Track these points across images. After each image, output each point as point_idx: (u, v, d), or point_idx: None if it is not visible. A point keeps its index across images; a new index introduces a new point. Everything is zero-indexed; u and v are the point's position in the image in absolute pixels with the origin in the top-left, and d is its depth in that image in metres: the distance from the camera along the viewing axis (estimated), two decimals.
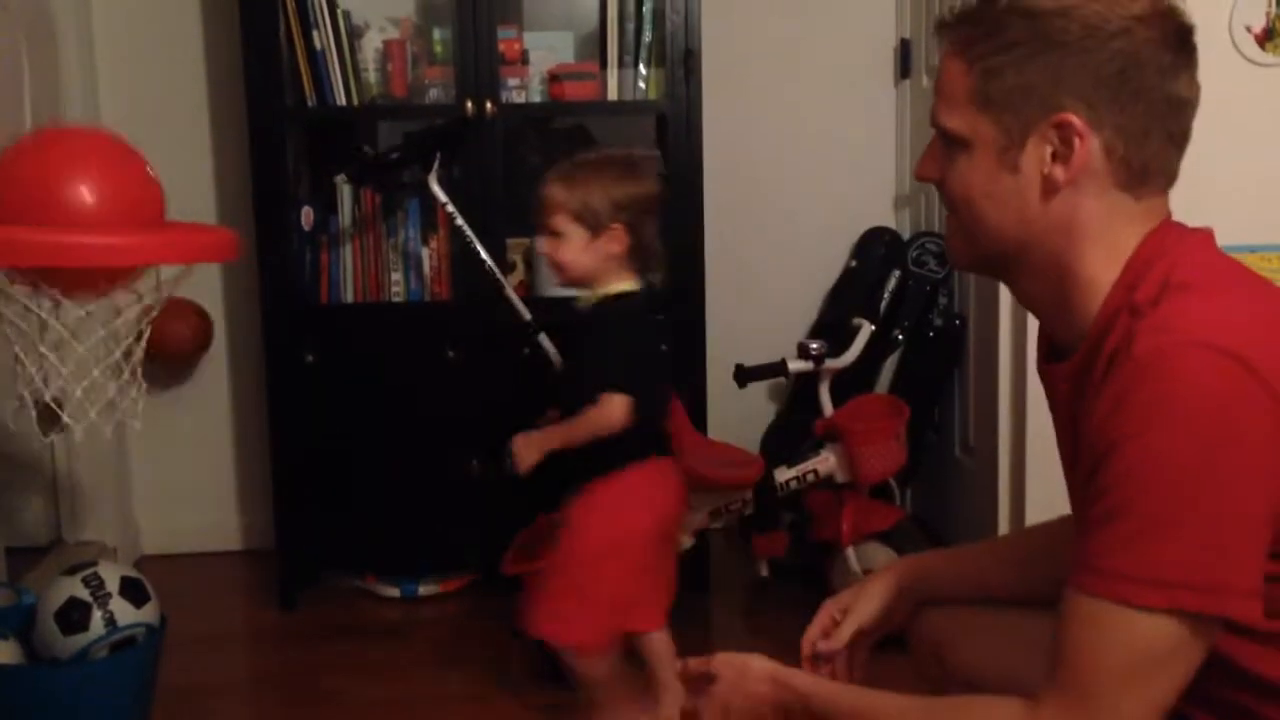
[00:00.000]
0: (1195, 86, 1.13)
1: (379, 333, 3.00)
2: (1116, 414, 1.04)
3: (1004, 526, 2.78)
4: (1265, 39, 2.51)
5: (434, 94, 2.99)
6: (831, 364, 2.74)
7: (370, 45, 3.00)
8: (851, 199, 3.46)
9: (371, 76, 3.00)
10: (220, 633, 2.98)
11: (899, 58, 3.45)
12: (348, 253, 3.02)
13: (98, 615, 2.16)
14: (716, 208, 3.07)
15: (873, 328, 2.80)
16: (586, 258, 2.13)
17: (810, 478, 2.71)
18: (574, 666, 2.19)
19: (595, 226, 2.11)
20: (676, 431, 2.63)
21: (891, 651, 1.53)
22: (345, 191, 3.02)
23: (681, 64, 2.88)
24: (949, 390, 3.21)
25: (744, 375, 2.76)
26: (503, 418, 2.61)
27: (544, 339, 2.65)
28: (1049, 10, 1.10)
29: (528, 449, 2.15)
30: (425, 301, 3.01)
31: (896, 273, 3.21)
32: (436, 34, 3.04)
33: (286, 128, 2.97)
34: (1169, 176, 1.15)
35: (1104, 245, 1.13)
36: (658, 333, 2.28)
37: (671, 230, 2.97)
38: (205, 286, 3.26)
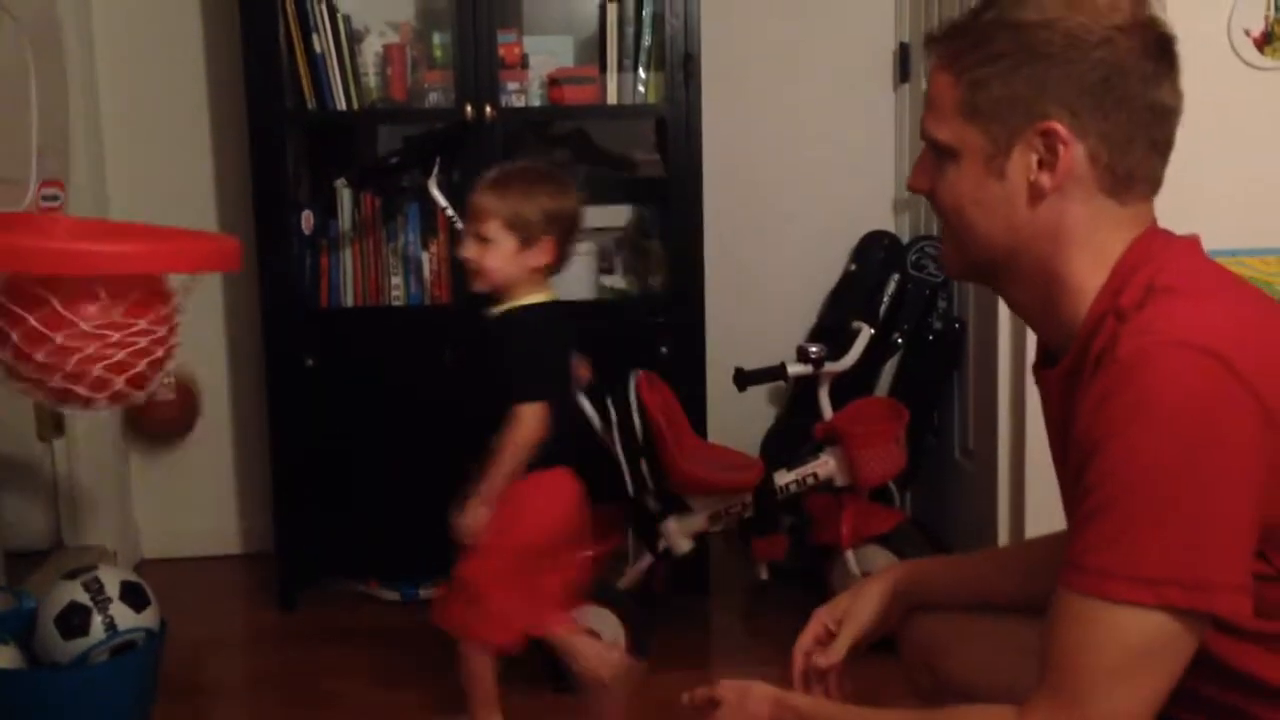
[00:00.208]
0: (1178, 95, 1.15)
1: (379, 336, 3.00)
2: (1100, 414, 1.05)
3: (1003, 529, 2.78)
4: (1264, 43, 2.51)
5: (434, 98, 2.99)
6: (831, 367, 2.74)
7: (370, 49, 3.00)
8: (851, 202, 3.47)
9: (371, 80, 3.00)
10: (220, 636, 2.98)
11: (898, 61, 3.45)
12: (348, 257, 3.03)
13: (98, 619, 2.17)
14: (716, 211, 3.08)
15: (872, 331, 2.80)
16: (512, 267, 2.16)
17: (810, 481, 2.71)
18: (468, 659, 2.21)
19: (527, 237, 2.14)
20: (676, 434, 2.63)
21: (881, 655, 1.52)
22: (345, 195, 3.02)
23: (681, 68, 2.89)
24: (948, 394, 3.21)
25: (743, 379, 2.76)
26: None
27: None
28: (1033, 22, 1.12)
29: (474, 514, 2.14)
30: (425, 305, 3.01)
31: (896, 276, 3.22)
32: (436, 38, 3.04)
33: (286, 131, 2.97)
34: (1153, 183, 1.17)
35: (1090, 251, 1.15)
36: (567, 344, 2.29)
37: (671, 233, 2.99)
38: (205, 289, 3.26)
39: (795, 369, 2.75)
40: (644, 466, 2.58)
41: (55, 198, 2.80)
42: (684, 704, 1.34)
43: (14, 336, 1.84)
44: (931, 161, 1.21)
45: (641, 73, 2.96)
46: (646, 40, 2.94)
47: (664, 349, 2.90)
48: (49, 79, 2.96)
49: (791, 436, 3.03)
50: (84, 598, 2.18)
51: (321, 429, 2.98)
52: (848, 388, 2.87)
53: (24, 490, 3.14)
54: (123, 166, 3.33)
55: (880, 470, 2.70)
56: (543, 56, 3.03)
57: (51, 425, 3.06)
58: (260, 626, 3.03)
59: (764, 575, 2.88)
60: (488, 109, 2.87)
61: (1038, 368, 1.28)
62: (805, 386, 2.98)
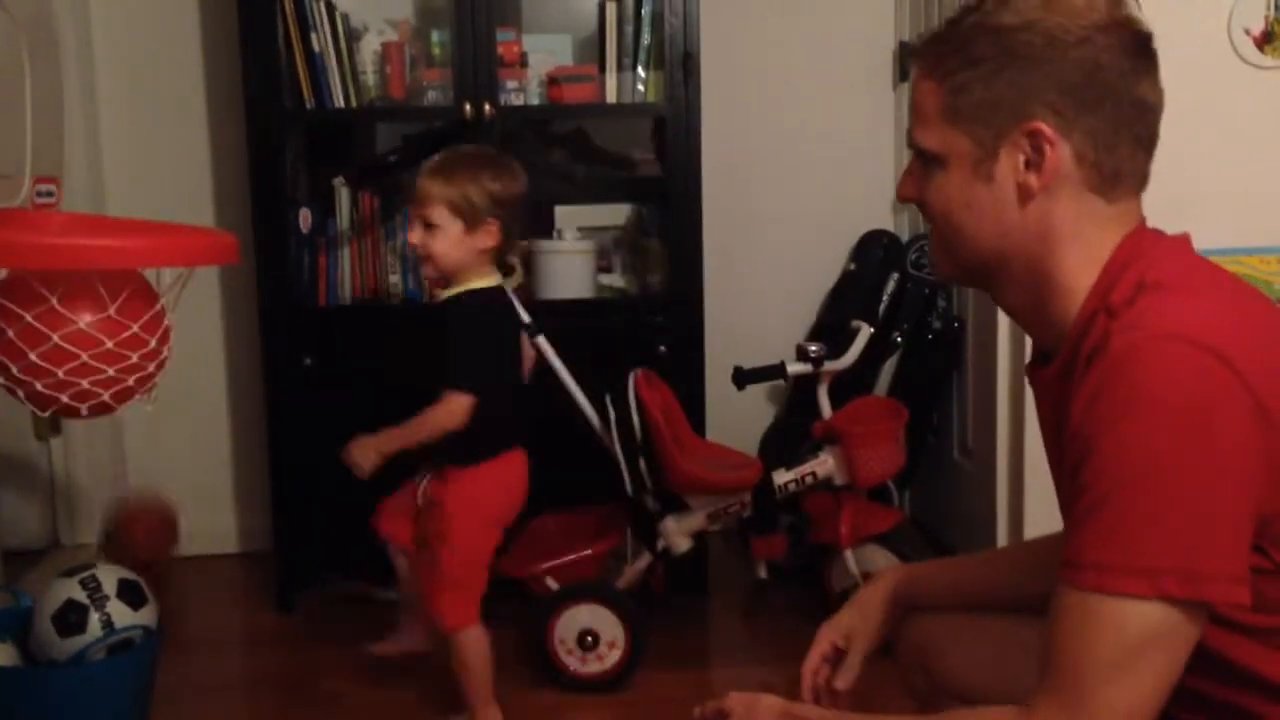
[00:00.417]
0: (1159, 91, 1.16)
1: (377, 335, 3.00)
2: (1093, 410, 1.06)
3: (1002, 529, 2.78)
4: (1264, 42, 2.51)
5: (432, 96, 2.99)
6: (830, 366, 2.74)
7: (369, 47, 2.99)
8: (850, 201, 3.46)
9: (370, 79, 3.00)
10: (218, 635, 2.98)
11: (898, 60, 3.45)
12: (346, 255, 3.02)
13: (95, 617, 2.16)
14: (715, 210, 3.07)
15: (871, 330, 2.80)
16: (459, 251, 2.20)
17: (809, 480, 2.71)
18: (460, 649, 2.28)
19: (471, 220, 2.19)
20: (675, 433, 2.63)
21: (876, 656, 1.51)
22: (344, 194, 3.02)
23: (680, 66, 2.88)
24: (947, 393, 3.21)
25: (742, 377, 2.76)
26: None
27: (543, 341, 2.65)
28: (1011, 25, 1.13)
29: (363, 453, 2.23)
30: (424, 304, 3.01)
31: (895, 275, 3.21)
32: (435, 36, 3.03)
33: (285, 130, 2.97)
34: (1140, 179, 1.18)
35: (1080, 250, 1.16)
36: (516, 328, 2.35)
37: (670, 232, 2.99)
38: (204, 288, 3.26)
39: (794, 368, 2.74)
40: (642, 465, 2.58)
41: (50, 194, 2.80)
42: (695, 718, 1.34)
43: (10, 333, 1.83)
44: (919, 169, 1.22)
45: (641, 71, 2.95)
46: (646, 39, 2.94)
47: (663, 348, 2.90)
48: (44, 75, 2.96)
49: (790, 435, 3.03)
50: (81, 596, 2.17)
51: (320, 427, 2.96)
52: (847, 387, 2.87)
53: (21, 489, 3.14)
54: (120, 165, 3.33)
55: (879, 469, 2.69)
56: (542, 55, 3.03)
57: (49, 424, 3.06)
58: (258, 625, 3.03)
59: (763, 574, 2.88)
60: (486, 107, 2.87)
61: (1031, 368, 1.28)
62: (804, 385, 2.97)
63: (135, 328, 1.88)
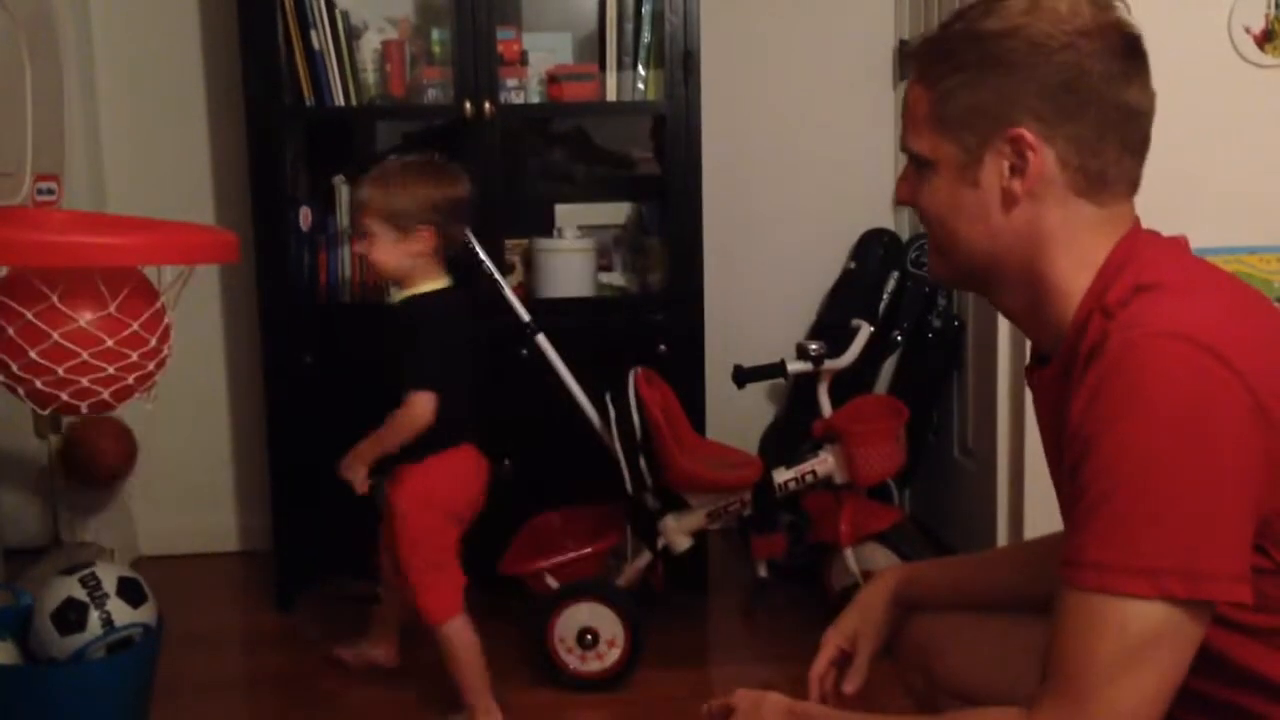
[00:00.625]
0: (1149, 94, 1.16)
1: (377, 333, 2.99)
2: (1092, 409, 1.06)
3: (1002, 528, 2.78)
4: (1264, 40, 2.51)
5: (432, 94, 2.99)
6: (830, 365, 2.73)
7: (368, 46, 2.99)
8: (850, 200, 3.46)
9: (370, 77, 2.99)
10: (218, 634, 2.98)
11: (897, 60, 3.44)
12: (346, 253, 3.02)
13: (95, 616, 2.16)
14: (715, 208, 3.07)
15: (871, 329, 2.79)
16: (394, 257, 2.30)
17: (809, 479, 2.71)
18: (449, 642, 2.33)
19: (404, 227, 2.27)
20: (675, 431, 2.63)
21: (877, 658, 1.51)
22: (343, 192, 3.02)
23: (680, 65, 2.88)
24: (948, 392, 3.21)
25: (743, 376, 2.76)
26: (501, 418, 2.61)
27: (543, 339, 2.65)
28: (996, 31, 1.14)
29: (352, 470, 2.33)
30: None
31: (895, 274, 3.21)
32: (435, 34, 3.03)
33: (285, 128, 2.97)
34: (1130, 183, 1.18)
35: (1072, 253, 1.16)
36: (465, 328, 2.41)
37: (670, 230, 2.99)
38: (204, 286, 3.26)
39: (795, 366, 2.74)
40: (642, 464, 2.58)
41: (50, 192, 2.79)
42: (703, 715, 1.34)
43: (10, 331, 1.83)
44: (913, 173, 1.23)
45: (641, 70, 2.95)
46: (646, 37, 2.94)
47: (663, 346, 2.90)
48: (44, 73, 2.95)
49: (791, 434, 3.03)
50: (81, 594, 2.17)
51: (320, 426, 2.97)
52: (847, 385, 2.86)
53: (21, 487, 3.14)
54: (120, 162, 3.33)
55: (879, 468, 2.69)
56: (542, 53, 3.03)
57: (49, 422, 3.05)
58: (258, 624, 3.03)
59: (763, 573, 2.87)
60: (487, 106, 2.87)
61: (1030, 370, 1.29)
62: (804, 384, 2.97)
63: (135, 326, 1.88)
